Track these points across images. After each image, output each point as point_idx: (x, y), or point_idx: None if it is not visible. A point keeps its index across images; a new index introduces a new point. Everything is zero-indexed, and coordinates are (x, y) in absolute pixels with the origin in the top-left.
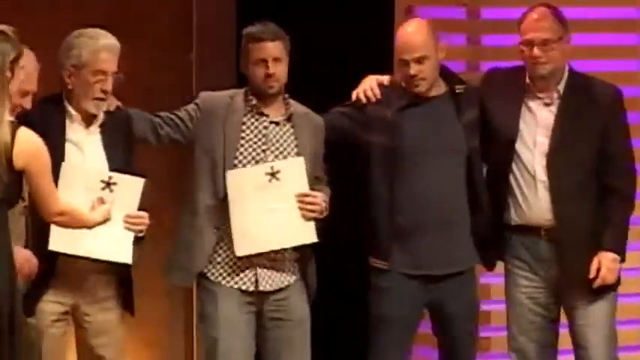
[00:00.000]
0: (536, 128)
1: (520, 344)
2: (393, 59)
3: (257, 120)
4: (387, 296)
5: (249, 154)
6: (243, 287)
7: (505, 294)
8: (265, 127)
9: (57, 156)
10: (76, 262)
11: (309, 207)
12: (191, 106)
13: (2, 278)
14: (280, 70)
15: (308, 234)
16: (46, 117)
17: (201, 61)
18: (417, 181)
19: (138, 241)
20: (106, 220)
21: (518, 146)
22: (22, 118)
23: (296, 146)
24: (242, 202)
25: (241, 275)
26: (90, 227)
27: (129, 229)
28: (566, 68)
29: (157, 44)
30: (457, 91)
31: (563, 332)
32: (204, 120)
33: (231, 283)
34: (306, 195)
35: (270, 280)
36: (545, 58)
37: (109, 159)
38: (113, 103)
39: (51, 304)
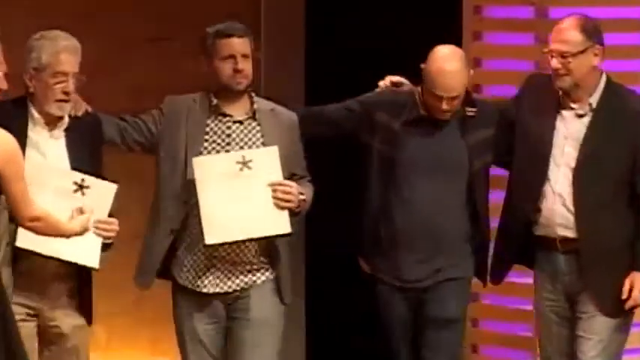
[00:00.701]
0: (565, 139)
1: (549, 354)
2: None
3: (220, 121)
4: (378, 296)
5: None
6: (212, 290)
7: (533, 304)
8: (228, 127)
9: None
10: (41, 264)
11: (283, 197)
12: (155, 110)
13: None
14: (248, 67)
15: (281, 224)
16: (8, 119)
17: (270, 60)
18: (407, 196)
19: (105, 247)
20: (84, 231)
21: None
22: None
23: (262, 143)
24: (210, 190)
25: (208, 277)
26: (67, 237)
27: (97, 235)
28: (602, 79)
29: None
30: (468, 114)
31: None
32: (167, 123)
33: (195, 285)
34: (280, 184)
35: (231, 282)
36: (565, 70)
37: (73, 163)
38: (82, 107)
39: (14, 306)
